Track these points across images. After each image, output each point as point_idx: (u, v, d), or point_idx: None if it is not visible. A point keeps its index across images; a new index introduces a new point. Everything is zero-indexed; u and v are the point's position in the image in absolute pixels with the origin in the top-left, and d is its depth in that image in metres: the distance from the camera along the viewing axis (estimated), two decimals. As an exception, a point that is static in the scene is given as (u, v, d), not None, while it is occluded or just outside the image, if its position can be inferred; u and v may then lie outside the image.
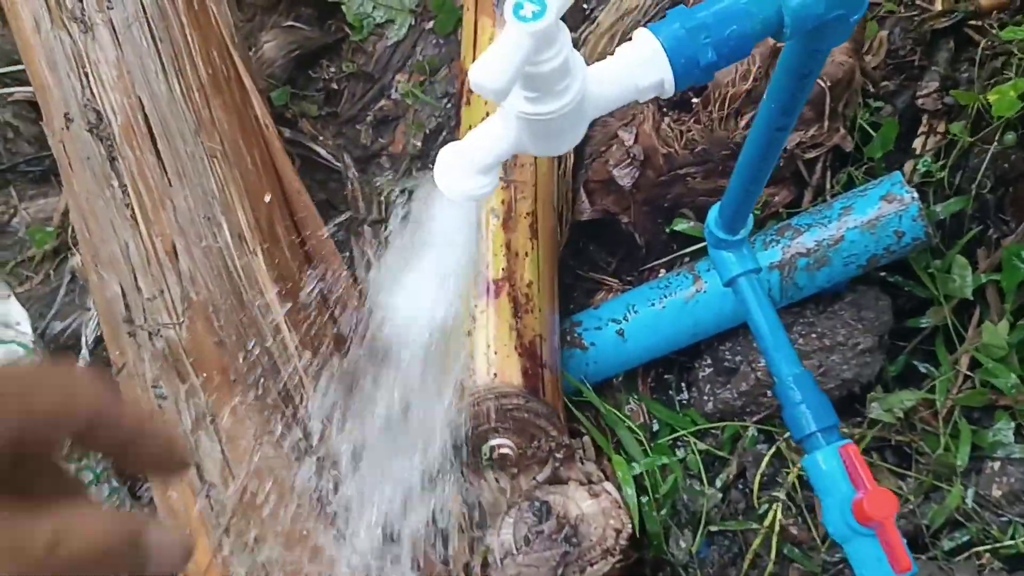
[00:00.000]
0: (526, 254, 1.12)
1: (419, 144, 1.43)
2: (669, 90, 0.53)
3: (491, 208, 1.12)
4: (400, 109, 1.47)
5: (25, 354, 1.16)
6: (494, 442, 1.06)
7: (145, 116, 1.14)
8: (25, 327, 1.20)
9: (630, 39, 0.53)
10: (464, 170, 0.51)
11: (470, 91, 1.25)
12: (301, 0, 1.49)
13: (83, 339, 1.23)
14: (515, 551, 1.03)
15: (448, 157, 0.52)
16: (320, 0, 1.48)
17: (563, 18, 0.45)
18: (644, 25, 0.54)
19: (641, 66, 0.52)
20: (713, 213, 0.96)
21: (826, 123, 1.08)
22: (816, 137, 1.10)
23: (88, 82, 1.13)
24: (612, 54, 0.52)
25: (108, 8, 1.14)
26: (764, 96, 0.70)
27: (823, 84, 1.07)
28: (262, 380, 1.09)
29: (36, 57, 1.15)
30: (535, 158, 1.15)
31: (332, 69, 1.51)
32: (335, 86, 1.50)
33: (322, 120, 1.48)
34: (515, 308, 1.08)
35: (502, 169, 0.52)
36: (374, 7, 1.46)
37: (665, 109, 1.11)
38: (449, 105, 1.43)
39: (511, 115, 0.50)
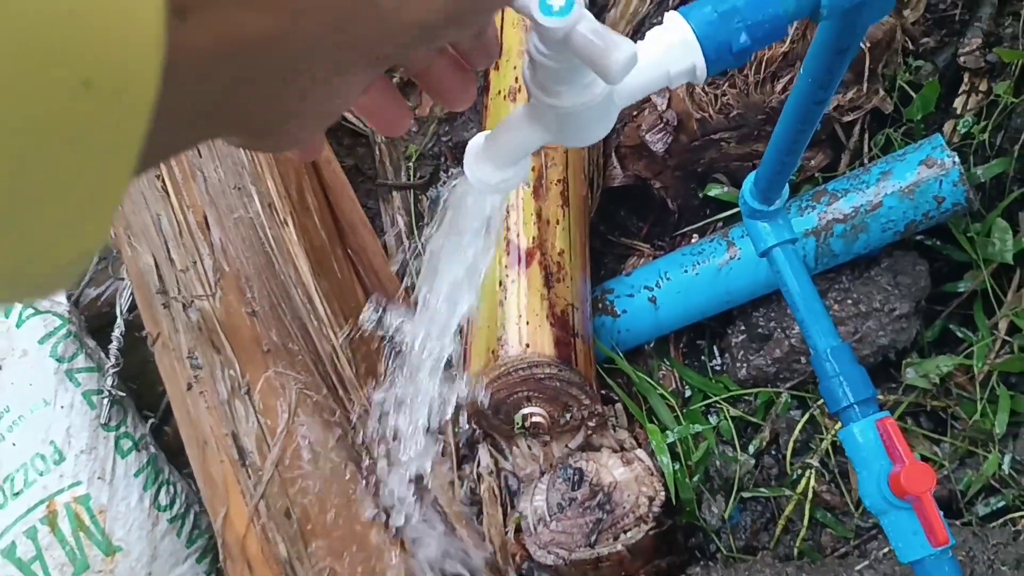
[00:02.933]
0: (557, 222, 1.11)
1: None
2: (701, 76, 0.51)
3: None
4: (427, 71, 1.44)
5: (61, 323, 1.18)
6: (526, 411, 1.06)
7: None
8: (60, 296, 1.22)
9: (658, 22, 0.52)
10: (492, 161, 0.50)
11: (498, 55, 1.22)
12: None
13: (118, 307, 1.24)
14: (548, 518, 1.04)
15: (477, 147, 0.51)
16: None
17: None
18: (671, 8, 0.52)
19: (672, 52, 0.50)
20: (748, 183, 0.94)
21: (865, 85, 1.05)
22: (855, 100, 1.07)
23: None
24: (636, 35, 0.51)
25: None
26: (801, 68, 0.68)
27: (863, 45, 1.03)
28: (295, 349, 1.10)
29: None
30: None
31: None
32: (361, 47, 1.48)
33: (349, 83, 1.46)
34: (546, 277, 1.07)
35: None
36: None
37: (698, 72, 1.09)
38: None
39: (540, 107, 0.49)
